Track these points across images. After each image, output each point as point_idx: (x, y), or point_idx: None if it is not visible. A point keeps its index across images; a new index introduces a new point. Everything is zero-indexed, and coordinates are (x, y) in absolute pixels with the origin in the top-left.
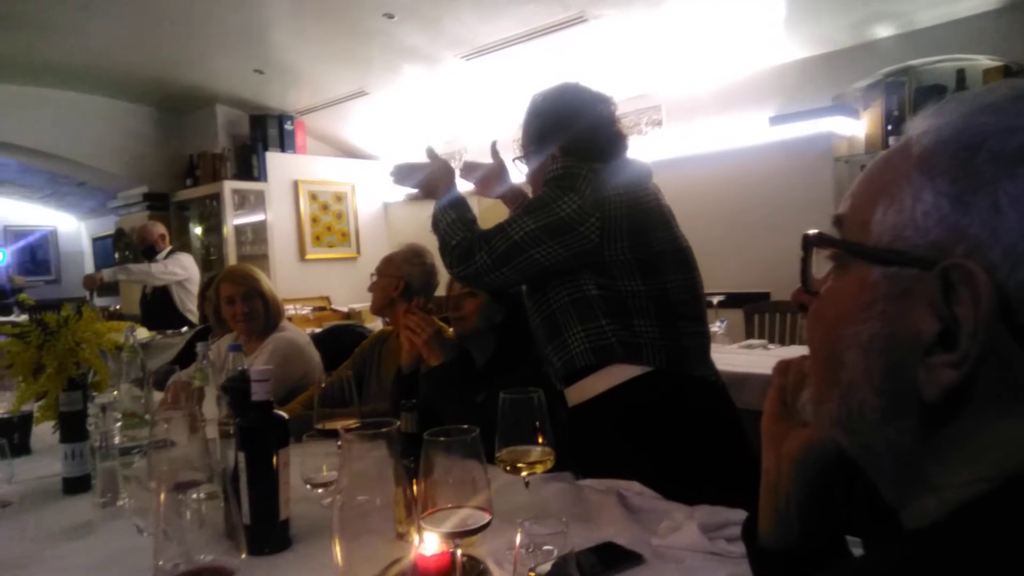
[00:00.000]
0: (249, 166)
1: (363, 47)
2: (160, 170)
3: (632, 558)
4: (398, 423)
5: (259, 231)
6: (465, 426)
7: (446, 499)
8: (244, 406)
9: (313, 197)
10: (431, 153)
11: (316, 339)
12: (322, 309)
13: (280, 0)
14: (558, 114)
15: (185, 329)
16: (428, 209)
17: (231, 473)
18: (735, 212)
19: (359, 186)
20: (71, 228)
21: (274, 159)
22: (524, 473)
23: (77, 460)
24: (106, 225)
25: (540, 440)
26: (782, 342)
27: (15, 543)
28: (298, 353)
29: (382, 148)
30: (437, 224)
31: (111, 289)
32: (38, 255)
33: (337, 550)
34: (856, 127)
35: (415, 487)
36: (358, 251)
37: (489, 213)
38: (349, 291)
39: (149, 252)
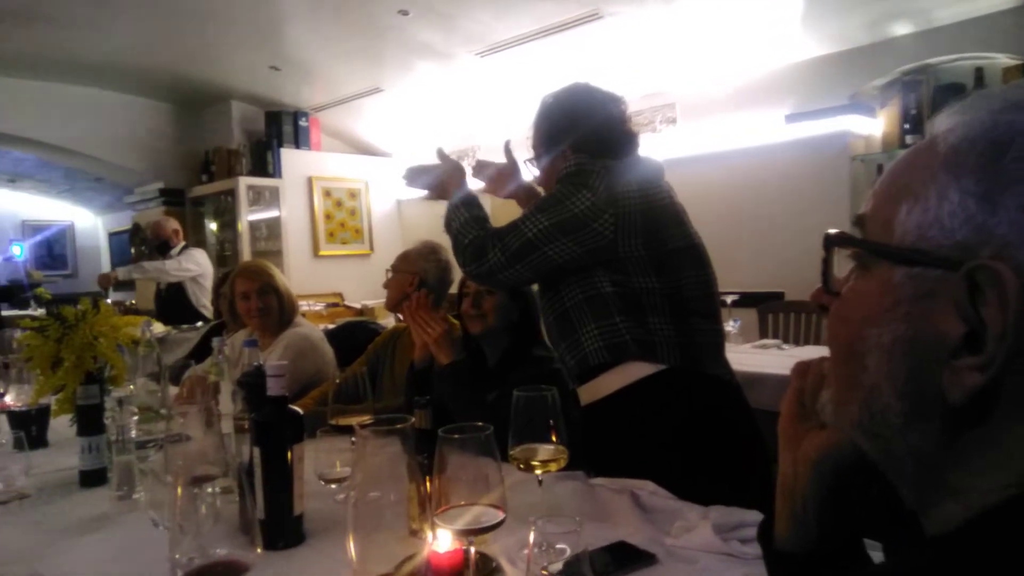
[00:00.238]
0: (264, 162)
1: (378, 44)
2: (176, 166)
3: (645, 558)
4: (412, 419)
5: (273, 227)
6: (479, 423)
7: (460, 496)
8: (259, 401)
9: (327, 194)
10: (442, 154)
11: (330, 335)
12: (335, 305)
13: None
14: (569, 113)
15: (200, 324)
16: (442, 206)
17: (246, 468)
18: (750, 211)
19: (373, 183)
20: (88, 223)
21: (289, 155)
22: (537, 471)
23: (94, 453)
24: (122, 220)
25: (553, 438)
26: (796, 342)
27: (33, 534)
28: (312, 349)
29: (396, 145)
30: (450, 223)
31: (126, 284)
32: (55, 249)
33: (351, 546)
34: (873, 126)
35: (429, 484)
36: (372, 248)
37: (501, 212)
38: (362, 287)
39: (163, 248)
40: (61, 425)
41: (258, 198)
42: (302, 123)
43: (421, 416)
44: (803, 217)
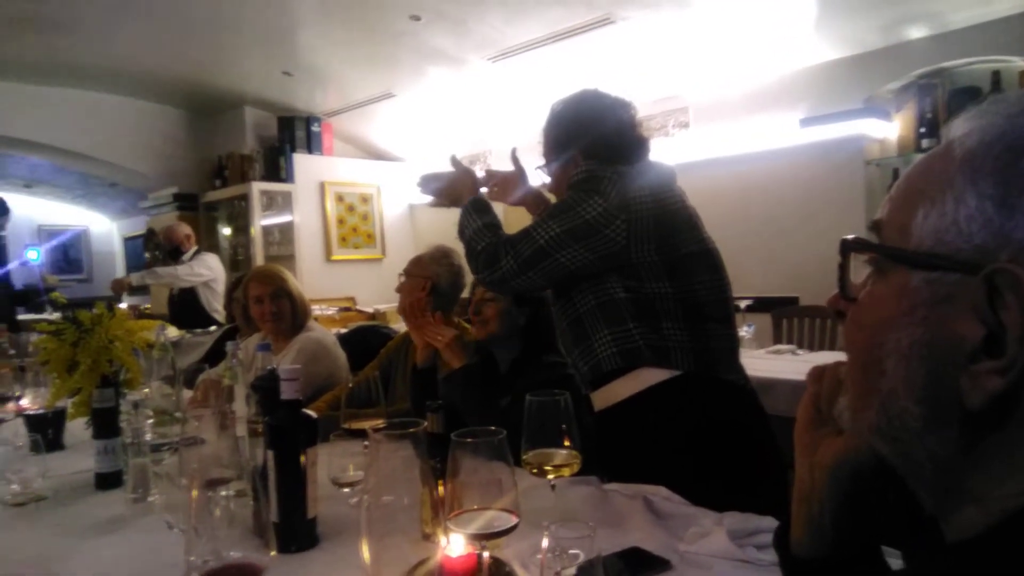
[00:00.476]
0: (277, 167)
1: (389, 49)
2: (189, 171)
3: (659, 564)
4: (425, 423)
5: (286, 232)
6: (492, 428)
7: (473, 501)
8: (273, 405)
9: (339, 198)
10: (455, 161)
11: (342, 339)
12: (348, 310)
13: (308, 3)
14: (578, 119)
15: (214, 328)
16: (454, 211)
17: (260, 471)
18: (763, 215)
19: (385, 188)
20: (103, 228)
21: (301, 161)
22: (550, 476)
23: (109, 456)
24: (137, 225)
25: (567, 443)
26: (811, 348)
27: (49, 536)
28: (324, 353)
29: (408, 150)
30: (463, 230)
31: (141, 289)
32: (71, 254)
33: (364, 550)
34: (888, 129)
35: (441, 488)
36: (383, 252)
37: (513, 218)
38: (374, 292)
39: (175, 252)
40: (77, 428)
41: (271, 203)
42: (314, 128)
43: (433, 420)
44: (817, 221)
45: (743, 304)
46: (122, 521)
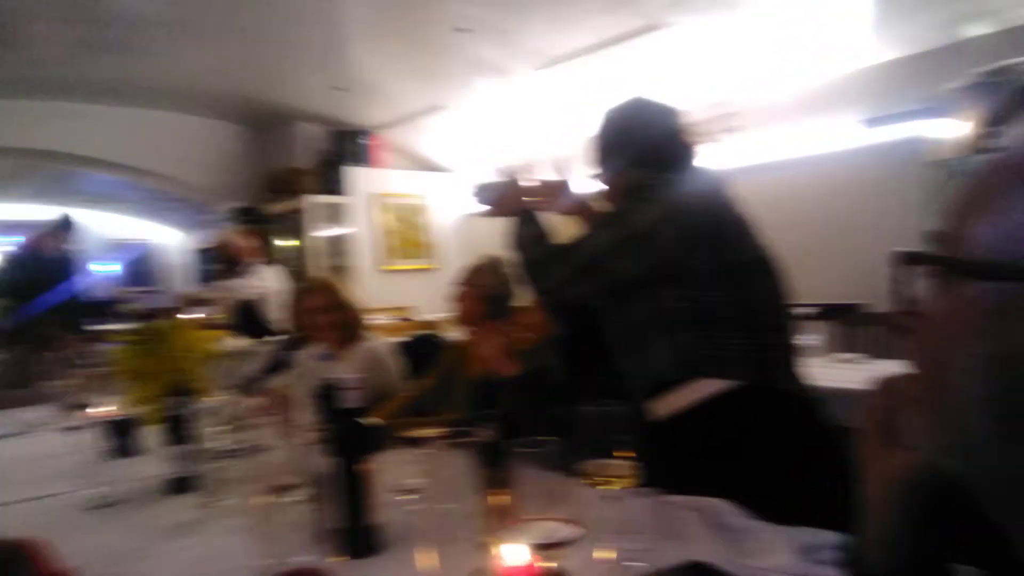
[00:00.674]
0: (330, 180)
1: (438, 62)
2: (247, 185)
3: None
4: (482, 432)
5: (341, 243)
6: (549, 437)
7: (530, 510)
8: (334, 413)
9: (391, 210)
10: (504, 170)
11: (398, 348)
12: (403, 319)
13: (357, 19)
14: (628, 128)
15: (275, 338)
16: (506, 221)
17: (323, 478)
18: (821, 220)
19: (436, 198)
20: (171, 241)
21: (354, 173)
22: (607, 487)
23: (181, 462)
24: (201, 238)
25: (622, 455)
26: (876, 356)
27: (125, 539)
28: (381, 362)
29: (458, 161)
30: (514, 241)
31: (206, 300)
32: (142, 267)
33: (423, 557)
34: (950, 130)
35: (499, 497)
36: (436, 262)
37: (565, 228)
38: (429, 301)
39: (234, 265)
40: (151, 434)
41: (325, 215)
42: (366, 141)
43: (491, 429)
44: (877, 225)
45: (802, 312)
46: (193, 525)
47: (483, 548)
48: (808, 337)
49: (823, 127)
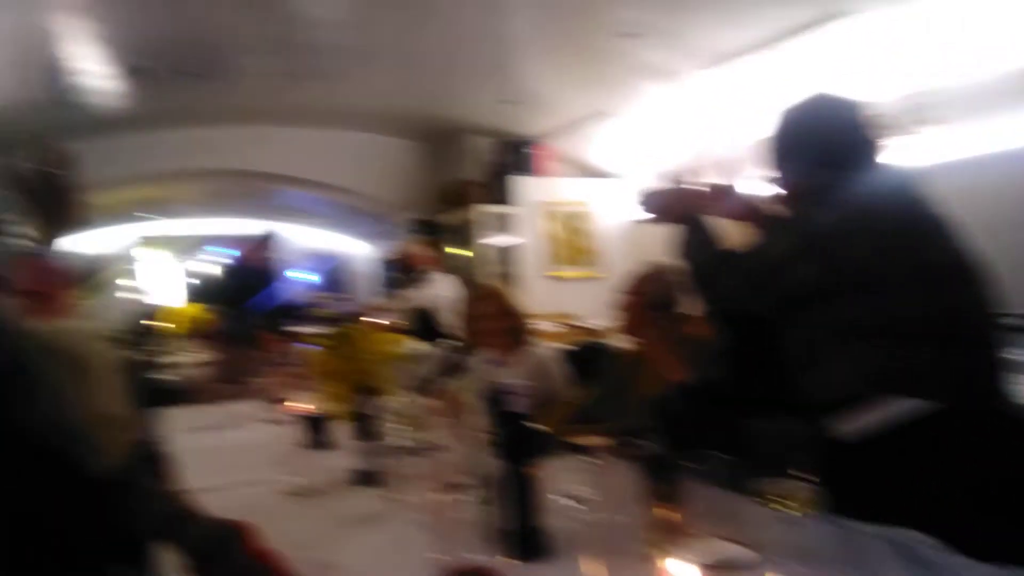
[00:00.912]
0: (498, 190)
1: (602, 68)
2: (422, 198)
3: None
4: (650, 444)
5: (509, 251)
6: (722, 454)
7: (699, 527)
8: (502, 417)
9: (558, 217)
10: (670, 176)
11: (563, 356)
12: (569, 327)
13: (523, 34)
14: (809, 126)
15: (448, 343)
16: (672, 228)
17: (492, 480)
18: None
19: (601, 205)
20: (360, 252)
21: (521, 183)
22: (784, 509)
23: (369, 457)
24: (384, 249)
25: (801, 475)
26: None
27: (319, 525)
28: (547, 369)
29: (624, 166)
30: (682, 248)
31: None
32: (335, 276)
33: (590, 566)
34: None
35: (667, 511)
36: (602, 270)
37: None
38: (595, 309)
39: (411, 274)
40: (341, 429)
41: (494, 225)
42: (532, 151)
43: (659, 441)
44: None
45: (1014, 322)
46: (377, 517)
47: (650, 563)
48: (1017, 351)
49: None
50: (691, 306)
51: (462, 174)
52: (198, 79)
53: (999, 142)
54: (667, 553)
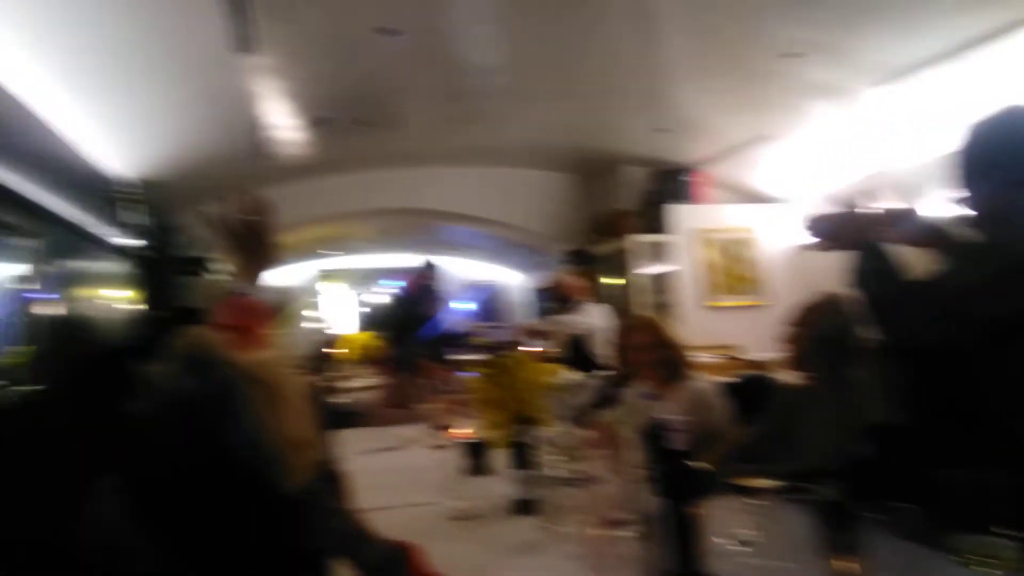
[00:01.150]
0: (654, 219)
1: (762, 90)
2: (577, 229)
3: None
4: (826, 489)
5: (665, 281)
6: (911, 505)
7: None
8: (661, 453)
9: (717, 245)
10: (839, 200)
11: (725, 389)
12: (729, 358)
13: (678, 60)
14: (1005, 141)
15: (602, 373)
16: (844, 255)
17: (652, 517)
18: None
19: (765, 231)
20: (515, 282)
21: (677, 210)
22: (984, 569)
23: (525, 485)
24: (538, 279)
25: (1005, 532)
26: None
27: (477, 550)
28: (707, 403)
29: (789, 190)
30: (857, 276)
31: (545, 336)
32: (491, 306)
33: None
34: None
35: (845, 563)
36: (765, 299)
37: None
38: (757, 340)
39: (566, 303)
40: (500, 456)
41: (650, 253)
42: (689, 178)
43: (836, 486)
44: None
45: None
46: (535, 546)
47: None
48: None
49: None
50: (867, 340)
51: (616, 204)
52: (372, 127)
53: None
54: None
